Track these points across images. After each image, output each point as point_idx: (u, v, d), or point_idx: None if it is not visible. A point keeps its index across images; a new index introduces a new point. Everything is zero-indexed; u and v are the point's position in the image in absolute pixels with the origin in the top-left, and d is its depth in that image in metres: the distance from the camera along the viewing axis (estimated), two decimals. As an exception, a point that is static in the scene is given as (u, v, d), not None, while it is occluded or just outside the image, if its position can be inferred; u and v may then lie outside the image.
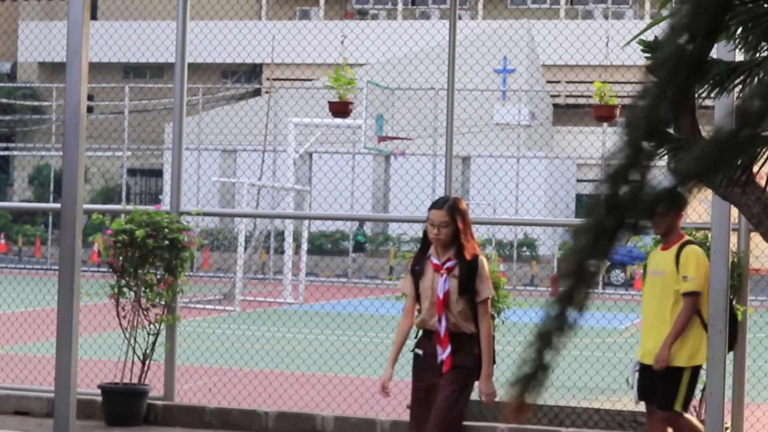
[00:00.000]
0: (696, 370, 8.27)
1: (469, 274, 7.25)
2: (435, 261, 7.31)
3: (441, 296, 7.23)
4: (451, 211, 7.28)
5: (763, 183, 3.51)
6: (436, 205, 7.40)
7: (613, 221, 1.90)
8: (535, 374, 1.87)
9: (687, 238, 8.42)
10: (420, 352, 7.41)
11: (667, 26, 2.12)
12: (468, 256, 7.26)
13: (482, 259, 7.38)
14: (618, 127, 2.00)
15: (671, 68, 1.92)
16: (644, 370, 8.29)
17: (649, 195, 1.92)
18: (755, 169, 3.55)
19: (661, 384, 8.17)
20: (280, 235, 32.53)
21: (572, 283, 1.88)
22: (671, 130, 3.54)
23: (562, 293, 1.87)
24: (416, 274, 7.40)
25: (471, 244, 7.33)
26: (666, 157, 3.51)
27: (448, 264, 7.27)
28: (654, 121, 1.93)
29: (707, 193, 4.64)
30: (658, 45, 3.18)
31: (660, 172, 2.04)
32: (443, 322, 7.23)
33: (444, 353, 7.24)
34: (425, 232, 7.45)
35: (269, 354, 15.37)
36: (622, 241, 1.98)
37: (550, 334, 1.87)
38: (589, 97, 13.48)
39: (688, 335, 8.18)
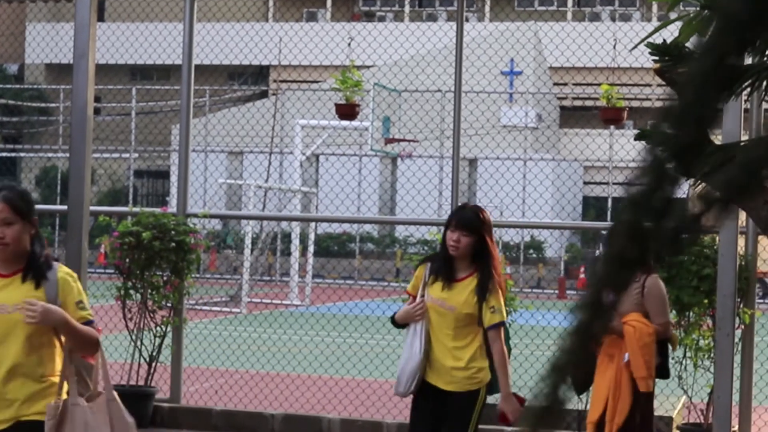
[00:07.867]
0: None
1: None
2: None
3: None
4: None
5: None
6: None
7: (635, 251, 1.83)
8: (549, 408, 1.81)
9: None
10: None
11: (697, 44, 2.06)
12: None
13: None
14: (641, 149, 1.92)
15: (701, 87, 1.85)
16: None
17: (674, 223, 1.85)
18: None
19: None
20: (287, 237, 32.53)
21: (589, 315, 1.82)
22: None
23: (578, 325, 1.81)
24: None
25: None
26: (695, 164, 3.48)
27: None
28: (682, 139, 1.86)
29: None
30: (685, 57, 3.13)
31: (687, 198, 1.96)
32: None
33: None
34: None
35: (276, 356, 15.36)
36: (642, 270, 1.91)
37: (565, 368, 1.81)
38: (597, 99, 13.48)
39: None
